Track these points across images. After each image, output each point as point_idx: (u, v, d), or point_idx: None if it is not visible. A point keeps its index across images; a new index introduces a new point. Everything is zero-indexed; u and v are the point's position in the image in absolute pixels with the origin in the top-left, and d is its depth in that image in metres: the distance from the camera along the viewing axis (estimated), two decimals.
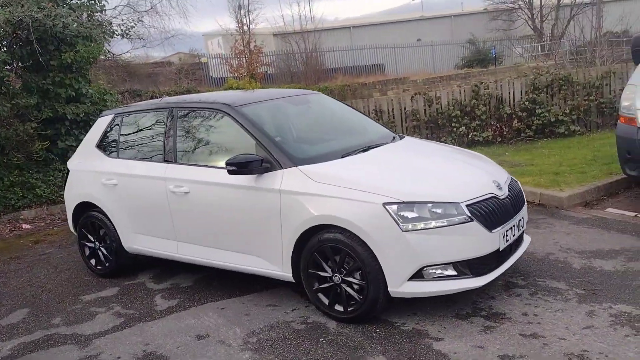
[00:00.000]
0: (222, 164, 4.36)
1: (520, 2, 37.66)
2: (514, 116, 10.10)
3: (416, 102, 10.20)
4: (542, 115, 9.97)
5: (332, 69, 30.52)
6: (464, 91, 10.22)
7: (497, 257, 3.89)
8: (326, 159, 4.20)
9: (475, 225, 3.71)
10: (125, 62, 20.28)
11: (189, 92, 20.22)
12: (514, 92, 10.18)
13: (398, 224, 3.64)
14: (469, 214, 3.70)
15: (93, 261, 5.49)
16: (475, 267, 3.75)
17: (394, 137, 4.95)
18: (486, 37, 35.35)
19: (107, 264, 5.38)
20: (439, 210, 3.70)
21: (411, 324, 3.86)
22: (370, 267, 3.72)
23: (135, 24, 9.26)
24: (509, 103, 10.15)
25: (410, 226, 3.64)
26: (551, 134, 10.08)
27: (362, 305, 3.83)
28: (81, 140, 9.34)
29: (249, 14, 29.76)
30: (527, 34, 37.63)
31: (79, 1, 9.02)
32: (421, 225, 3.65)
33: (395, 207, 3.67)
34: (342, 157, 4.27)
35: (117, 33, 9.09)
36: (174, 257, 4.89)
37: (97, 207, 5.30)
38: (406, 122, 10.17)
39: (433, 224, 3.66)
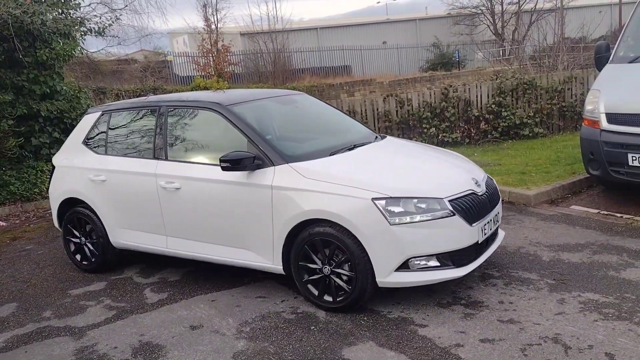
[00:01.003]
0: (213, 160, 4.55)
1: (482, 8, 38.65)
2: (481, 118, 10.49)
3: (388, 103, 10.48)
4: (507, 117, 10.40)
5: (300, 70, 30.76)
6: (434, 94, 10.56)
7: (476, 250, 4.17)
8: (315, 156, 4.40)
9: (457, 219, 3.97)
10: (89, 58, 20.03)
11: (155, 90, 20.14)
12: (481, 95, 10.57)
13: (386, 218, 3.87)
14: (452, 209, 3.97)
15: (78, 257, 5.55)
16: (456, 259, 4.02)
17: (376, 137, 5.18)
18: (450, 41, 36.19)
19: (93, 259, 5.45)
20: (423, 205, 3.95)
21: (396, 312, 4.09)
22: (359, 258, 3.94)
23: (113, 22, 9.29)
24: (477, 106, 10.53)
25: (397, 220, 3.88)
26: (516, 135, 10.52)
27: (351, 295, 4.05)
28: (55, 137, 9.41)
29: (216, 13, 29.79)
30: (489, 38, 38.68)
31: None
32: (407, 219, 3.89)
33: (383, 202, 3.90)
34: (331, 155, 4.48)
35: (94, 30, 9.10)
36: (164, 252, 5.01)
37: (84, 202, 5.38)
38: (378, 123, 10.44)
39: (418, 217, 3.91)
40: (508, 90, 10.54)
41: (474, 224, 4.06)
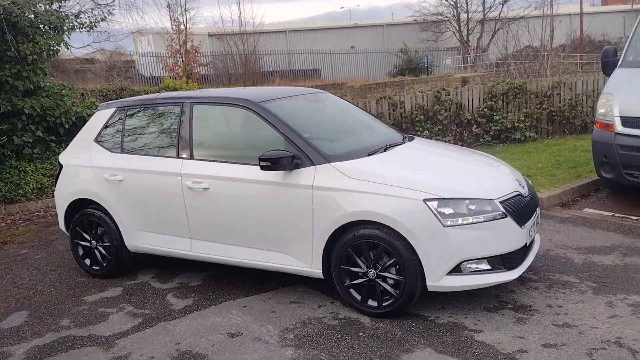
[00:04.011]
0: (245, 159, 4.36)
1: (447, 15, 39.22)
2: (473, 122, 10.52)
3: (381, 105, 10.40)
4: (499, 121, 10.47)
5: (269, 72, 30.51)
6: (427, 96, 10.53)
7: (523, 252, 4.08)
8: (355, 156, 4.24)
9: (509, 221, 3.87)
10: (54, 57, 19.29)
11: (122, 90, 19.57)
12: (472, 99, 10.61)
13: (439, 220, 3.74)
14: (504, 210, 3.87)
15: (88, 261, 5.22)
16: (507, 262, 3.92)
17: (404, 137, 5.05)
18: (417, 47, 36.56)
19: (105, 264, 5.14)
20: (474, 207, 3.84)
21: (444, 317, 3.97)
22: (409, 262, 3.80)
23: (106, 16, 8.88)
24: (468, 109, 10.57)
25: (450, 222, 3.75)
26: (507, 139, 10.60)
27: (398, 300, 3.90)
28: (38, 136, 8.95)
29: (185, 13, 29.27)
30: (455, 45, 39.31)
31: None
32: (460, 220, 3.77)
33: (435, 203, 3.78)
34: (369, 155, 4.32)
35: (85, 25, 8.68)
36: (187, 255, 4.75)
37: (96, 204, 5.06)
38: None
39: (471, 219, 3.79)
40: (499, 95, 10.61)
41: (523, 226, 3.98)
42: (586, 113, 11.01)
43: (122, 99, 5.43)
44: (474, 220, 3.79)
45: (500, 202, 3.90)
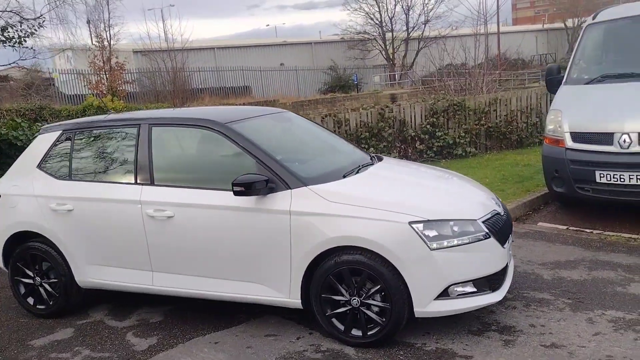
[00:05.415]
0: (212, 184, 4.10)
1: (373, 34, 40.07)
2: (416, 138, 10.62)
3: (326, 123, 10.31)
4: (441, 137, 10.63)
5: (199, 90, 29.93)
6: (371, 114, 10.55)
7: (503, 272, 4.03)
8: (330, 178, 4.05)
9: (492, 241, 3.80)
10: None
11: (42, 109, 18.55)
12: (415, 116, 10.73)
13: (426, 243, 3.61)
14: (487, 230, 3.79)
15: (31, 300, 4.72)
16: (492, 283, 3.84)
17: (372, 157, 4.91)
18: (345, 65, 37.07)
19: (51, 302, 4.66)
20: (457, 228, 3.74)
21: (431, 343, 3.83)
22: (395, 288, 3.65)
23: (36, 30, 8.24)
24: (412, 126, 10.67)
25: (436, 245, 3.63)
26: (449, 155, 10.77)
27: (385, 328, 3.73)
28: None
29: (109, 29, 28.27)
30: (381, 63, 40.18)
31: None
32: (445, 243, 3.66)
33: (421, 225, 3.65)
34: (344, 177, 4.15)
35: (12, 40, 8.01)
36: (148, 290, 4.37)
37: (41, 236, 4.59)
38: None
39: (456, 241, 3.69)
40: (440, 111, 10.78)
41: (505, 246, 3.92)
42: (521, 128, 11.37)
43: (69, 121, 4.99)
44: (459, 242, 3.69)
45: (483, 222, 3.83)
